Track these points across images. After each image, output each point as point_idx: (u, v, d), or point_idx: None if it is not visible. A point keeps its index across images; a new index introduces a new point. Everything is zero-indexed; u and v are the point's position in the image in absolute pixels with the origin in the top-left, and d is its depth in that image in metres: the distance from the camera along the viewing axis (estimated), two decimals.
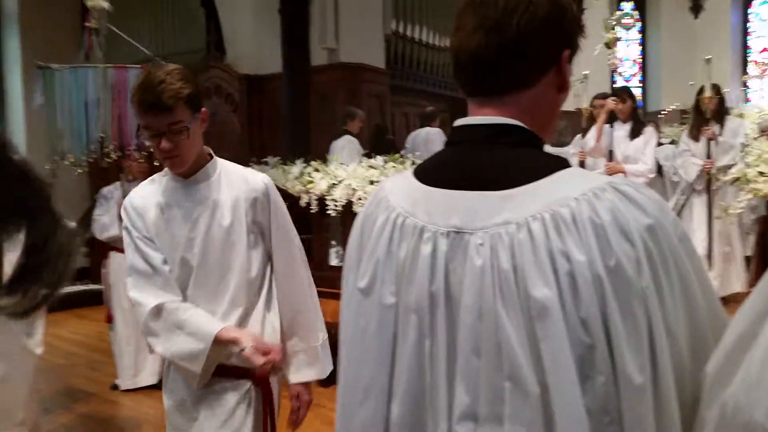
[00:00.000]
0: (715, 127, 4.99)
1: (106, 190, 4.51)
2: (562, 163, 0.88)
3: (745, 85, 11.14)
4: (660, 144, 5.51)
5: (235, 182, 1.80)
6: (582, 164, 5.15)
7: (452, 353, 0.86)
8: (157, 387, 3.75)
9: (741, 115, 5.70)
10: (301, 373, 1.87)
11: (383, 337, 0.92)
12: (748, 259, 5.27)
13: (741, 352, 0.72)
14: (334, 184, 4.60)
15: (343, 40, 7.47)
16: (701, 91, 5.04)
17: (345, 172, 4.61)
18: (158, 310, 1.71)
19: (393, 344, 0.91)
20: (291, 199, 4.83)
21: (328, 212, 4.58)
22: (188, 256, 1.74)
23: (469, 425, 0.83)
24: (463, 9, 0.91)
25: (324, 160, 5.10)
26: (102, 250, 4.54)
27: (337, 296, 1.06)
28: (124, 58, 5.44)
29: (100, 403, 4.20)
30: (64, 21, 7.95)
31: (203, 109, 1.73)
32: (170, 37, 8.76)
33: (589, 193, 0.81)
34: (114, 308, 4.35)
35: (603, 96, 5.52)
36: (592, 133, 5.29)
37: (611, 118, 5.18)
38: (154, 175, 1.86)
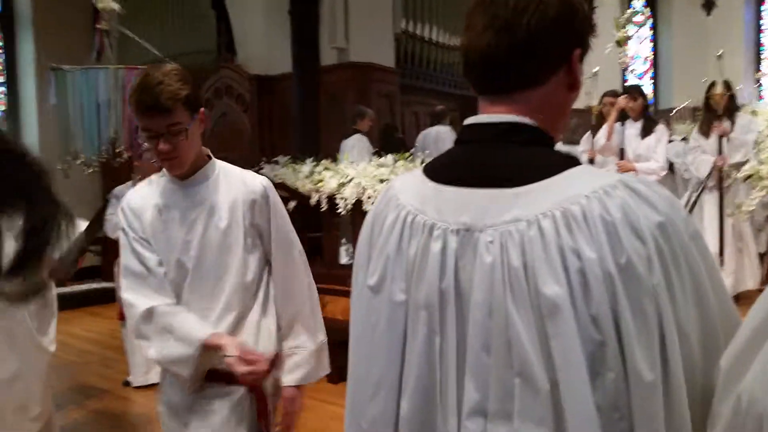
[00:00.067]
0: (726, 124, 4.94)
1: (117, 189, 4.54)
2: (573, 161, 0.88)
3: (758, 82, 11.03)
4: (671, 141, 5.47)
5: (233, 184, 1.77)
6: (591, 162, 5.12)
7: (462, 350, 0.86)
8: None
9: (754, 113, 5.63)
10: (294, 375, 1.82)
11: (393, 334, 0.92)
12: (761, 256, 5.22)
13: (755, 347, 0.72)
14: (343, 182, 4.61)
15: (352, 39, 7.47)
16: (711, 87, 4.99)
17: (355, 171, 4.62)
18: (150, 313, 1.69)
19: (403, 341, 0.92)
20: (301, 198, 4.84)
21: (338, 211, 4.59)
22: (184, 258, 1.72)
23: (479, 421, 0.84)
24: (474, 8, 0.91)
25: (334, 159, 5.12)
26: (114, 248, 4.55)
27: (347, 294, 1.07)
28: (135, 59, 5.48)
29: (113, 400, 4.24)
30: (77, 23, 8.02)
31: (202, 109, 1.71)
32: (181, 38, 8.81)
33: (600, 190, 0.81)
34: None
35: (613, 94, 5.48)
36: (603, 131, 5.27)
37: (622, 117, 5.15)
38: (152, 176, 1.85)
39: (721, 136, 4.90)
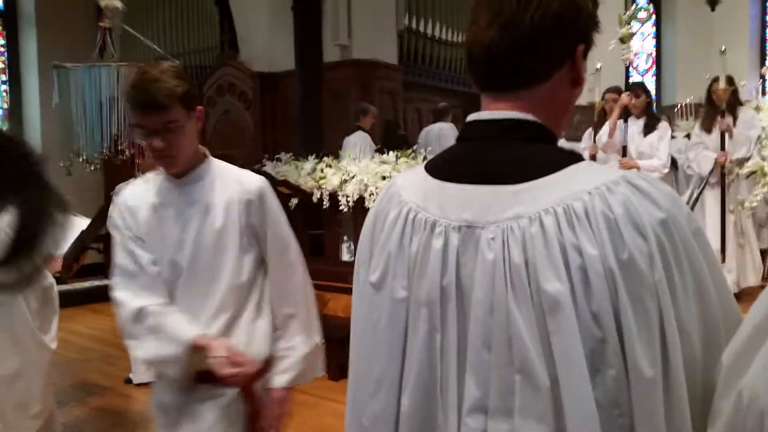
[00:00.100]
0: (728, 119, 4.91)
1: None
2: (576, 158, 0.87)
3: (763, 77, 10.98)
4: (673, 137, 5.45)
5: (229, 183, 1.75)
6: (593, 159, 5.11)
7: (463, 347, 0.86)
8: None
9: (758, 108, 5.60)
10: (283, 377, 1.78)
11: (394, 330, 0.92)
12: (763, 252, 5.21)
13: (757, 344, 0.72)
14: (346, 179, 4.62)
15: (355, 36, 7.46)
16: (714, 82, 4.95)
17: (357, 168, 4.62)
18: (140, 313, 1.67)
19: (404, 338, 0.92)
20: (303, 195, 4.85)
21: (340, 208, 4.60)
22: (178, 257, 1.70)
23: (480, 418, 0.84)
24: (478, 4, 0.91)
25: (336, 156, 5.12)
26: None
27: (348, 291, 1.07)
28: (138, 57, 5.49)
29: (114, 397, 4.25)
30: (80, 21, 8.04)
31: (199, 107, 1.69)
32: (184, 35, 8.83)
33: (603, 186, 0.81)
34: None
35: (615, 90, 5.46)
36: (606, 128, 5.25)
37: (625, 114, 5.14)
38: (148, 174, 1.83)
39: (723, 132, 4.87)
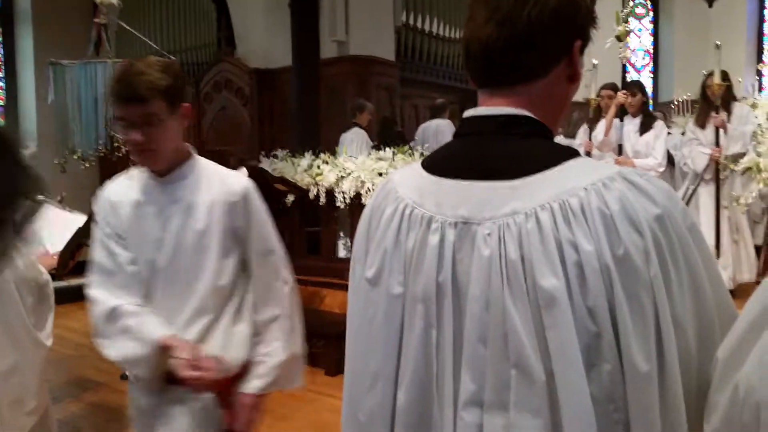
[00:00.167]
0: (722, 114, 4.90)
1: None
2: (572, 154, 0.88)
3: (759, 73, 10.99)
4: (669, 134, 5.45)
5: (214, 184, 1.70)
6: (588, 155, 5.11)
7: (458, 342, 0.86)
8: None
9: (754, 105, 5.59)
10: (254, 383, 1.71)
11: (390, 326, 0.92)
12: (757, 248, 5.22)
13: (752, 338, 0.72)
14: (342, 176, 4.61)
15: (353, 32, 7.44)
16: (709, 77, 4.93)
17: (354, 165, 4.62)
18: (113, 312, 1.64)
19: (400, 334, 0.92)
20: (300, 192, 4.84)
21: (337, 204, 4.60)
22: (156, 256, 1.66)
23: (475, 412, 0.84)
24: (475, 0, 0.91)
25: (333, 153, 5.11)
26: None
27: (344, 287, 1.06)
28: (135, 54, 5.46)
29: (109, 393, 4.25)
30: (76, 18, 8.02)
31: (186, 104, 1.64)
32: (181, 32, 8.81)
33: (599, 182, 0.81)
34: None
35: (611, 87, 5.46)
36: (602, 126, 5.25)
37: (621, 112, 5.13)
38: (132, 171, 1.77)
39: (717, 128, 4.86)
